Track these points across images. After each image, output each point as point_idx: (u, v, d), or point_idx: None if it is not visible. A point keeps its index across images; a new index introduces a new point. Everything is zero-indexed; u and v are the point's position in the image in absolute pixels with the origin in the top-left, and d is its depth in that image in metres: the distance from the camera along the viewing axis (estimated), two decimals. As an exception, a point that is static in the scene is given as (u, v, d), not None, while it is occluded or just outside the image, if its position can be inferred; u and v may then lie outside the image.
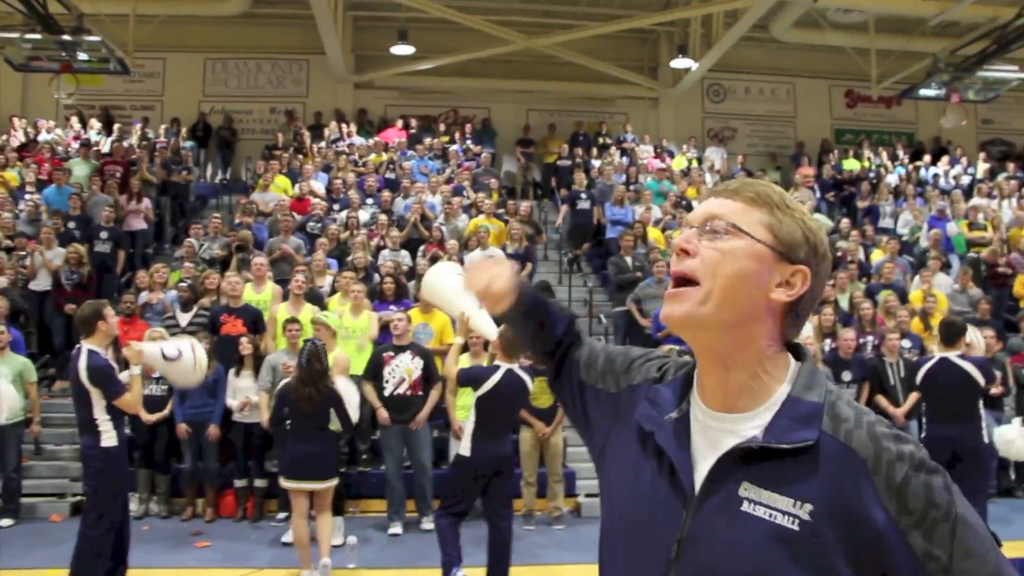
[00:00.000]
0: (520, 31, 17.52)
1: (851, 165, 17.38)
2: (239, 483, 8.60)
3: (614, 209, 13.86)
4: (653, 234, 12.79)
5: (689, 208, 14.04)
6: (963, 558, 1.22)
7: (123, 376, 6.03)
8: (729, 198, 1.42)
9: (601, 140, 17.90)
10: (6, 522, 8.38)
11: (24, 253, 11.44)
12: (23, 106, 18.29)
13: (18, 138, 16.32)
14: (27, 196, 13.21)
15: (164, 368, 5.95)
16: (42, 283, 11.18)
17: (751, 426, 1.35)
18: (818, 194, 16.01)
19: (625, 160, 16.44)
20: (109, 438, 5.79)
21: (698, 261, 1.37)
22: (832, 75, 19.73)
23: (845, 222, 13.99)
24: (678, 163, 17.02)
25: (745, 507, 1.30)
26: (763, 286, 1.36)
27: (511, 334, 5.84)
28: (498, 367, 6.14)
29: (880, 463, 1.26)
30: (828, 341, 9.75)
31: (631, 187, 14.65)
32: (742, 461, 1.32)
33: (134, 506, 8.68)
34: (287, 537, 7.47)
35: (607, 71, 18.32)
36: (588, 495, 9.07)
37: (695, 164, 17.05)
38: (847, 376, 9.18)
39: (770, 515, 1.27)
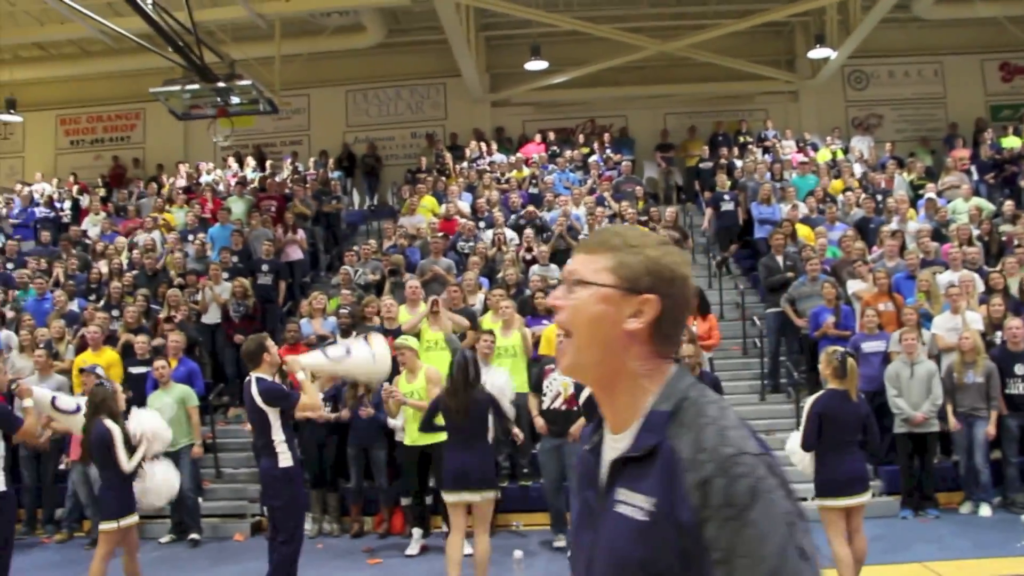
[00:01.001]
0: (652, 36, 17.42)
1: (1011, 143, 16.33)
2: (405, 501, 8.84)
3: (761, 208, 13.55)
4: (802, 231, 12.44)
5: (834, 201, 13.63)
6: (740, 556, 1.37)
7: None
8: (581, 252, 1.64)
9: (742, 139, 17.56)
10: (194, 536, 8.90)
11: (195, 289, 12.11)
12: (186, 151, 19.45)
13: (182, 181, 17.32)
14: (192, 236, 13.98)
15: (339, 369, 6.03)
16: (212, 316, 11.82)
17: (626, 440, 1.55)
18: (976, 176, 15.21)
19: (768, 157, 16.06)
20: (286, 459, 6.08)
21: (565, 315, 1.60)
22: (984, 49, 18.72)
23: (1008, 204, 13.19)
24: (822, 156, 16.49)
25: (617, 508, 1.51)
26: (616, 321, 1.55)
27: None
28: None
29: (695, 462, 1.43)
30: (999, 333, 9.25)
31: (778, 184, 14.31)
32: (619, 472, 1.53)
33: (308, 525, 9.11)
34: (411, 549, 7.66)
35: (743, 68, 17.95)
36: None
37: (840, 155, 16.50)
38: (1020, 369, 8.67)
39: (630, 511, 1.48)
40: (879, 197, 13.50)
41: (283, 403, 6.03)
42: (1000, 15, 16.42)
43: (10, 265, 14.06)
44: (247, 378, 6.22)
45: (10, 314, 11.89)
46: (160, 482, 6.80)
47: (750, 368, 11.34)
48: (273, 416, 6.01)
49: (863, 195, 13.51)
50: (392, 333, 9.59)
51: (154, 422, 6.91)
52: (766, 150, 16.67)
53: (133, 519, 6.50)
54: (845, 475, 5.90)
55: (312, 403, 6.20)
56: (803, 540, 1.44)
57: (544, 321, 9.75)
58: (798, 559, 1.41)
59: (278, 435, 6.06)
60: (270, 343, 6.30)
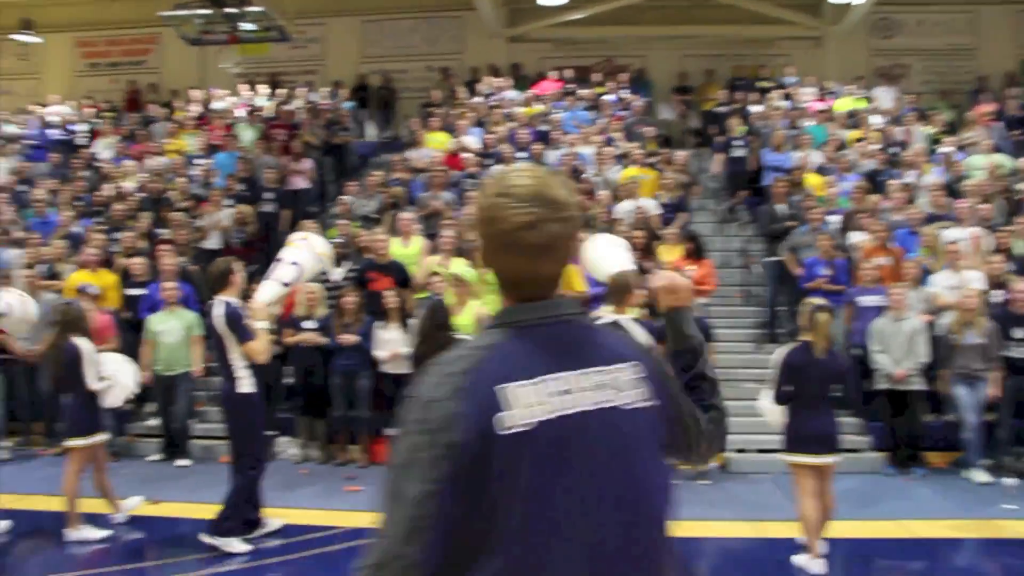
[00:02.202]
0: (673, -27, 17.03)
1: (1041, 98, 15.94)
2: (390, 431, 8.91)
3: (773, 154, 13.35)
4: (811, 180, 12.24)
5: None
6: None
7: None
8: None
9: (762, 84, 17.21)
10: (184, 462, 9.04)
11: (197, 215, 12.15)
12: (201, 78, 19.34)
13: (195, 108, 17.26)
14: (200, 161, 13.98)
15: (296, 281, 6.32)
16: (213, 242, 11.86)
17: None
18: (1001, 133, 14.83)
19: (787, 104, 15.75)
20: (246, 384, 6.13)
21: None
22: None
23: (1026, 161, 12.90)
24: (842, 105, 16.13)
25: None
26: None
27: (622, 281, 5.76)
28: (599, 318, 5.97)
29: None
30: (998, 292, 9.08)
31: (793, 132, 14.06)
32: None
33: (293, 451, 9.25)
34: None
35: (766, 11, 17.52)
36: (738, 450, 8.90)
37: (864, 104, 16.14)
38: (1019, 333, 8.53)
39: None
40: (895, 149, 13.25)
41: (239, 334, 6.05)
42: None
43: (23, 185, 14.13)
44: (211, 300, 6.25)
45: (18, 234, 12.00)
46: (120, 388, 6.90)
47: (750, 316, 11.26)
48: (232, 342, 6.04)
49: (874, 146, 13.23)
50: (382, 268, 9.65)
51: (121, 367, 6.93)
52: (786, 97, 16.35)
53: (102, 437, 6.62)
54: (813, 431, 5.86)
55: (260, 349, 6.20)
56: (405, 482, 1.54)
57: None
58: (393, 493, 1.56)
59: (238, 360, 6.10)
60: (237, 267, 6.34)
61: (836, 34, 18.15)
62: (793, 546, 6.08)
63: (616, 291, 5.81)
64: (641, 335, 5.53)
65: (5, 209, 12.84)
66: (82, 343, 6.60)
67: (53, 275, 10.53)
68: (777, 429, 6.12)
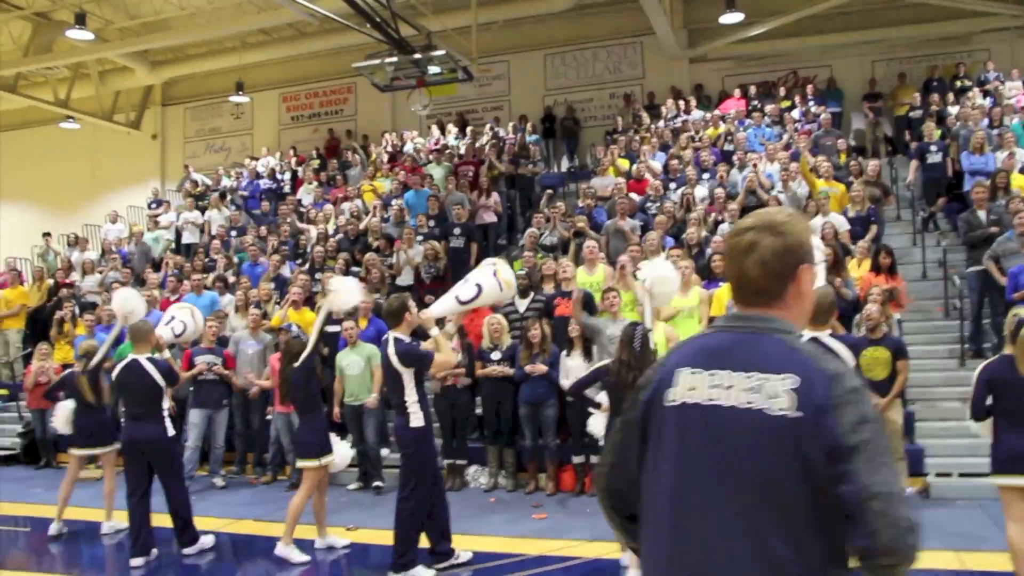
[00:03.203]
0: (857, -24, 16.45)
1: None
2: (577, 459, 9.02)
3: (973, 158, 12.57)
4: (1018, 182, 11.46)
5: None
6: None
7: (427, 345, 6.56)
8: None
9: (959, 83, 16.28)
10: (378, 483, 9.59)
11: (391, 253, 12.78)
12: (393, 121, 20.42)
13: (388, 151, 18.20)
14: (393, 201, 14.71)
15: (473, 305, 6.50)
16: (406, 279, 12.43)
17: None
18: None
19: (988, 101, 14.83)
20: (417, 419, 6.38)
21: None
22: None
23: None
24: (1054, 98, 15.02)
25: None
26: None
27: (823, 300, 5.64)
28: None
29: None
30: None
31: (995, 131, 13.23)
32: None
33: (484, 479, 9.53)
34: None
35: (961, 5, 16.56)
36: (939, 474, 8.39)
37: (1079, 96, 14.96)
38: None
39: None
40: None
41: (419, 364, 6.31)
42: None
43: (233, 233, 15.34)
44: (385, 336, 6.54)
45: (231, 279, 13.04)
46: (339, 460, 7.34)
47: (951, 331, 10.64)
48: (407, 377, 6.29)
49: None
50: (568, 295, 9.82)
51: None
52: (986, 94, 15.40)
53: (329, 458, 7.10)
54: (1020, 450, 5.38)
55: (446, 360, 6.45)
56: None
57: (720, 283, 9.60)
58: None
59: (411, 395, 6.33)
60: (412, 304, 6.63)
61: (1044, 21, 16.89)
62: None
63: (817, 310, 5.68)
64: (843, 352, 5.33)
65: (219, 257, 13.96)
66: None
67: (264, 315, 11.37)
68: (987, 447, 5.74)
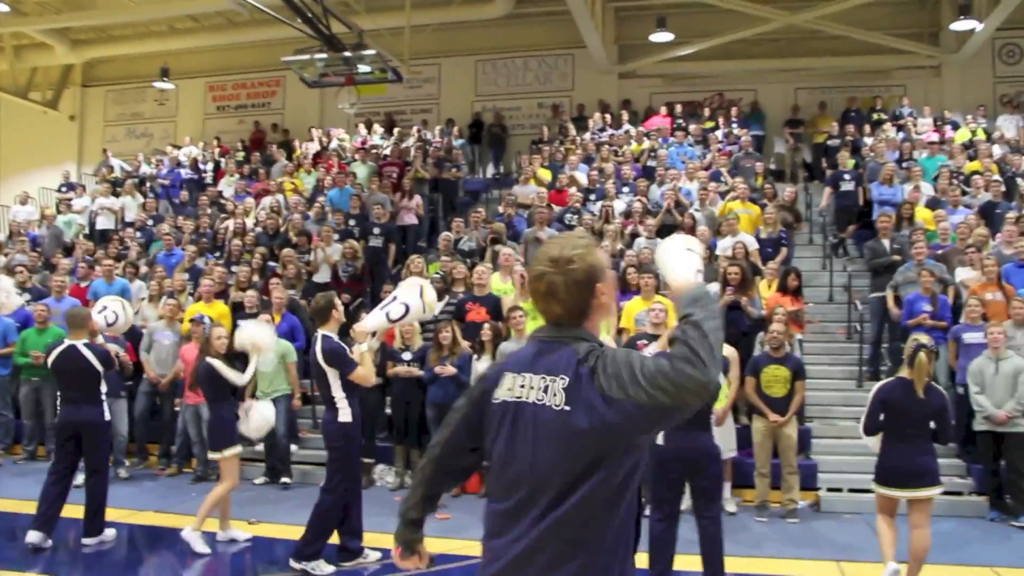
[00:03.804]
0: (782, 8, 16.96)
1: None
2: (486, 462, 9.03)
3: (882, 188, 13.04)
4: (921, 214, 11.92)
5: (967, 184, 12.92)
6: None
7: (354, 355, 6.59)
8: None
9: (876, 116, 16.86)
10: (285, 479, 9.55)
11: (308, 250, 12.70)
12: (321, 118, 20.27)
13: (314, 147, 18.07)
14: (316, 199, 14.61)
15: (400, 322, 6.69)
16: (323, 276, 12.37)
17: None
18: None
19: (900, 136, 15.39)
20: (345, 414, 6.41)
21: None
22: None
23: None
24: (961, 136, 15.64)
25: None
26: None
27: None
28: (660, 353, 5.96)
29: None
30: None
31: (903, 164, 13.73)
32: None
33: (390, 478, 9.53)
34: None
35: (881, 41, 17.16)
36: (830, 489, 8.69)
37: (982, 135, 15.60)
38: None
39: None
40: (1018, 178, 12.79)
41: (341, 368, 6.35)
42: None
43: (150, 222, 15.05)
44: (314, 334, 6.57)
45: (145, 268, 12.80)
46: (257, 418, 7.30)
47: (852, 353, 11.00)
48: (332, 375, 6.34)
49: (993, 178, 12.78)
50: (479, 300, 9.91)
51: (258, 331, 7.38)
52: (900, 128, 15.97)
53: (236, 450, 7.13)
54: (904, 467, 5.76)
55: (366, 376, 6.48)
56: (452, 413, 2.60)
57: (631, 296, 9.78)
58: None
59: (338, 391, 6.40)
60: (338, 302, 6.67)
61: (957, 62, 17.67)
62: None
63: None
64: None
65: (133, 244, 13.69)
66: (214, 361, 7.13)
67: (177, 306, 11.19)
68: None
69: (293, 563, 6.38)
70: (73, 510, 7.14)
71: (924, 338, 6.12)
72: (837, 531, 7.75)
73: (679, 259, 2.88)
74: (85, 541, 7.10)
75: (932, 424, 5.85)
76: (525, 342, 2.60)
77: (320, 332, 6.47)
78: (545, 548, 2.26)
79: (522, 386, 2.37)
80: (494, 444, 2.40)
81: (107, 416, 7.23)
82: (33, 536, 6.85)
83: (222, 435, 7.16)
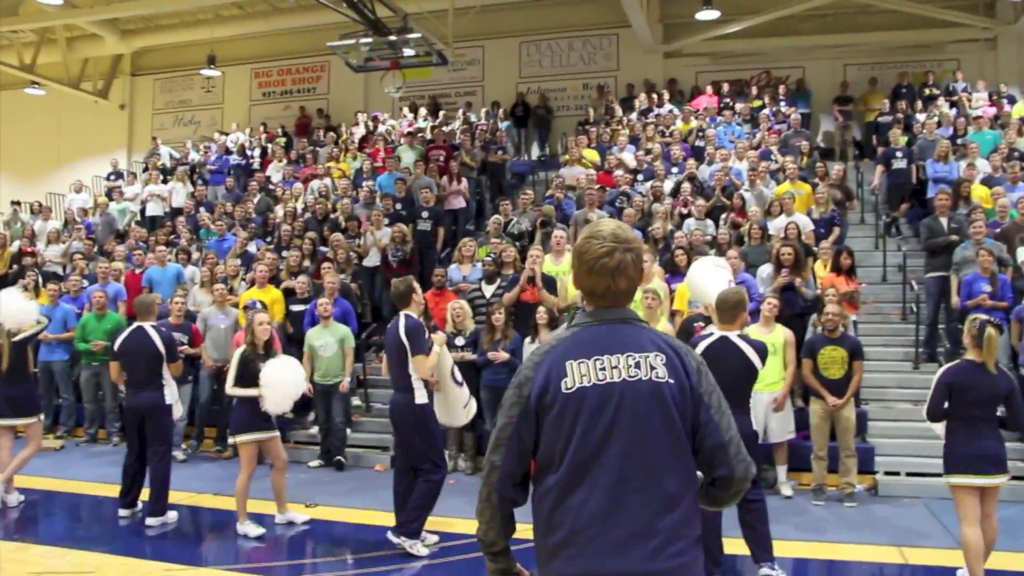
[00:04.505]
0: (833, -20, 16.58)
1: None
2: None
3: (937, 166, 12.79)
4: (978, 192, 11.68)
5: (1020, 161, 12.61)
6: None
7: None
8: None
9: (927, 91, 16.50)
10: (339, 459, 9.66)
11: (359, 234, 12.77)
12: (365, 102, 20.35)
13: (360, 131, 18.13)
14: (364, 183, 14.68)
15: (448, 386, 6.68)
16: (372, 260, 12.45)
17: None
18: None
19: (953, 111, 15.06)
20: (422, 396, 6.49)
21: None
22: None
23: None
24: (1019, 110, 15.24)
25: None
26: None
27: (732, 300, 5.75)
28: (711, 333, 5.84)
29: None
30: None
31: (957, 140, 13.44)
32: None
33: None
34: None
35: (933, 14, 16.72)
36: (888, 472, 8.58)
37: (1042, 109, 15.20)
38: None
39: None
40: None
41: (415, 345, 6.39)
42: None
43: (200, 208, 15.22)
44: (396, 315, 6.63)
45: (196, 253, 12.96)
46: (274, 383, 7.07)
47: (907, 335, 10.84)
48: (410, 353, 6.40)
49: (1053, 154, 12.46)
50: (532, 280, 9.90)
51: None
52: (953, 104, 15.63)
53: (260, 436, 7.14)
54: (975, 452, 5.53)
55: (427, 366, 6.44)
56: (499, 417, 2.49)
57: (680, 278, 9.70)
58: (495, 423, 2.52)
59: (415, 372, 6.44)
60: (417, 286, 6.75)
61: (1014, 34, 17.14)
62: (937, 574, 5.88)
63: (726, 309, 5.79)
64: (749, 351, 5.67)
65: (184, 231, 13.87)
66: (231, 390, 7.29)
67: (230, 291, 11.35)
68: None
69: (392, 536, 6.46)
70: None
71: (985, 316, 5.94)
72: (896, 515, 7.64)
73: (711, 280, 3.09)
74: (149, 522, 7.32)
75: (1000, 408, 5.71)
76: (567, 330, 2.54)
77: (402, 312, 6.55)
78: (656, 524, 2.31)
79: (602, 368, 2.38)
80: (570, 433, 2.36)
81: (168, 400, 7.44)
82: (123, 512, 7.52)
83: (239, 420, 7.21)
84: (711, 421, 2.43)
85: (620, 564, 2.30)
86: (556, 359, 2.43)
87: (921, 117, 14.86)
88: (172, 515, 7.47)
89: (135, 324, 7.54)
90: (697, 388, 2.42)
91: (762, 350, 5.73)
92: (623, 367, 2.38)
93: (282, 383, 7.09)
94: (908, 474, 8.48)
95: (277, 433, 7.40)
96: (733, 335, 5.70)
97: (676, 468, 2.37)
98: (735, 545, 5.92)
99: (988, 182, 12.09)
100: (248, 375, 7.11)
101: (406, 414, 6.56)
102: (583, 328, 2.49)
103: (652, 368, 2.38)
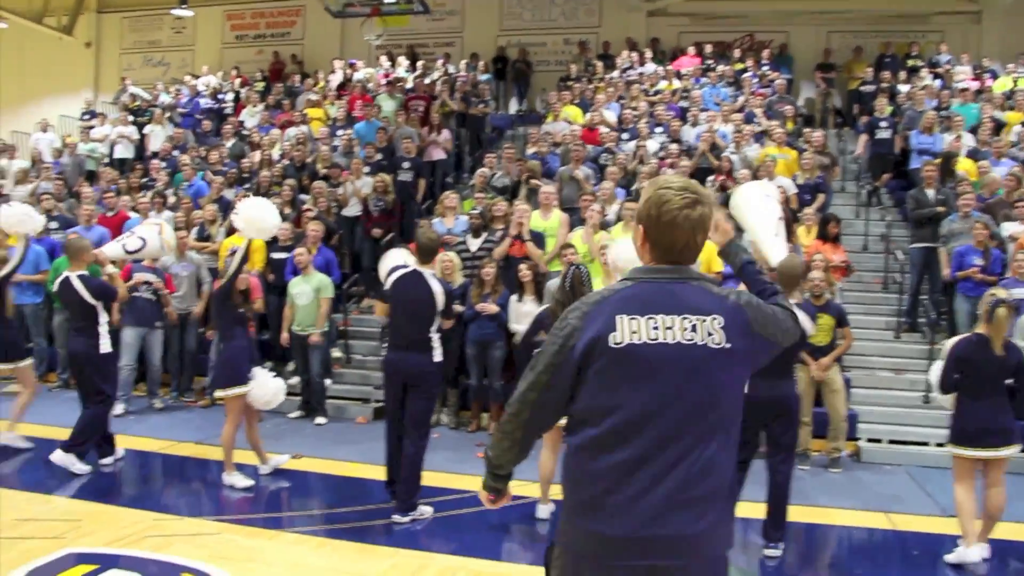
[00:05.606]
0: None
1: None
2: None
3: (921, 137, 12.79)
4: (963, 165, 11.71)
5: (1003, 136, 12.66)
6: None
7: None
8: None
9: (911, 62, 16.49)
10: (320, 420, 9.44)
11: (339, 183, 12.52)
12: (342, 49, 19.90)
13: (337, 78, 17.76)
14: (341, 131, 14.38)
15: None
16: (353, 210, 12.22)
17: None
18: None
19: (938, 83, 15.08)
20: (439, 354, 6.32)
21: None
22: None
23: None
24: (1001, 85, 15.29)
25: None
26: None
27: (790, 268, 5.70)
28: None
29: None
30: None
31: (942, 113, 13.47)
32: None
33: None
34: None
35: (919, -16, 16.70)
36: (870, 439, 8.64)
37: (1023, 85, 15.25)
38: None
39: None
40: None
41: (446, 307, 6.33)
42: None
43: (176, 152, 14.83)
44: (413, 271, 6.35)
45: (172, 198, 12.63)
46: (261, 392, 7.04)
47: (888, 304, 10.90)
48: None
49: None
50: (520, 237, 9.77)
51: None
52: (937, 76, 15.64)
53: (243, 389, 6.91)
54: (981, 425, 5.59)
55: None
56: (537, 361, 2.40)
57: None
58: (531, 366, 2.42)
59: (435, 332, 6.27)
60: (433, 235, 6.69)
61: (999, 8, 17.18)
62: (926, 540, 5.96)
63: (785, 278, 5.73)
64: (804, 319, 5.50)
65: (160, 175, 13.51)
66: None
67: (206, 237, 11.09)
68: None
69: (399, 518, 6.20)
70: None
71: (1002, 292, 5.93)
72: (880, 482, 7.71)
73: (759, 209, 3.25)
74: (52, 457, 7.04)
75: (1010, 381, 5.73)
76: (619, 282, 2.44)
77: (427, 271, 6.34)
78: (694, 489, 2.28)
79: (655, 328, 2.30)
80: (613, 390, 2.30)
81: (103, 348, 7.12)
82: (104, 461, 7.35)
83: (225, 372, 6.98)
84: (771, 335, 2.45)
85: (657, 527, 2.26)
86: (606, 312, 2.33)
87: (904, 88, 14.85)
88: (82, 467, 7.06)
89: (64, 273, 7.18)
90: (757, 332, 2.39)
91: (812, 315, 5.72)
92: (678, 328, 2.31)
93: (268, 391, 7.12)
94: (890, 441, 8.56)
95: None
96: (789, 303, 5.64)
97: (717, 435, 2.32)
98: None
99: (973, 155, 12.13)
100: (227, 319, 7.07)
101: (426, 374, 6.25)
102: (637, 283, 2.40)
103: (709, 334, 2.31)
